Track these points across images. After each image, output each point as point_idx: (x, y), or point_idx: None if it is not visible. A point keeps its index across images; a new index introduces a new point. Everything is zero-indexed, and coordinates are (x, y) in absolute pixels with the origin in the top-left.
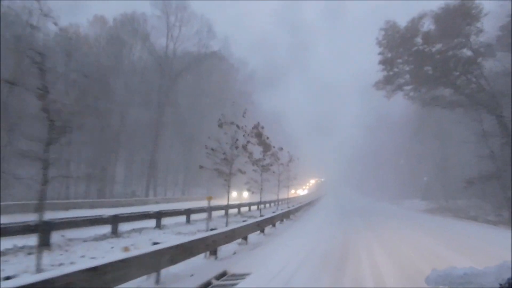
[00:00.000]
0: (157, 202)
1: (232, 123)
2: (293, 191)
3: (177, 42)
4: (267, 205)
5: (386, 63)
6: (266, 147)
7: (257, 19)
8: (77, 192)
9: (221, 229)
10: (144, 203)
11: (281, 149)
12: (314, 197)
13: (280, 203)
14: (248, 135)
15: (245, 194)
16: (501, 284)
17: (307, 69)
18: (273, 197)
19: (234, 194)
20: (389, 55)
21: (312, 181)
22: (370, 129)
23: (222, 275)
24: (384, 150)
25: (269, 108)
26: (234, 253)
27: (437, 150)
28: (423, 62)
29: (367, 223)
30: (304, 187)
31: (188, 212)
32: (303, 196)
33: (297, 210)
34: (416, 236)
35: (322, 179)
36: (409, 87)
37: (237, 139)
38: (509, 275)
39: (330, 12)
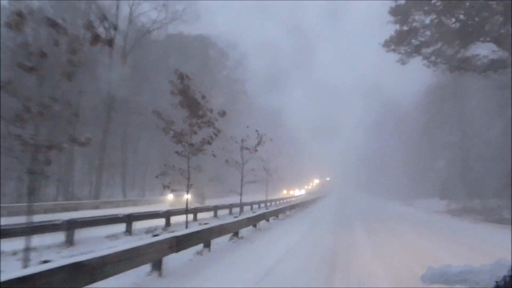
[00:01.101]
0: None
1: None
2: (285, 191)
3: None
4: (232, 210)
5: (399, 12)
6: (194, 107)
7: (257, 21)
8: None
9: None
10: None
11: (224, 113)
12: (312, 197)
13: (254, 206)
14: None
15: (170, 196)
16: (496, 282)
17: (311, 70)
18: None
19: (170, 196)
20: (403, 1)
21: (316, 181)
22: (377, 123)
23: None
24: (393, 146)
25: (271, 107)
26: None
27: (457, 140)
28: (451, 8)
29: (375, 238)
30: (306, 186)
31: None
32: (297, 197)
33: (272, 215)
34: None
35: (327, 179)
36: (430, 49)
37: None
38: (504, 273)
39: (331, 13)
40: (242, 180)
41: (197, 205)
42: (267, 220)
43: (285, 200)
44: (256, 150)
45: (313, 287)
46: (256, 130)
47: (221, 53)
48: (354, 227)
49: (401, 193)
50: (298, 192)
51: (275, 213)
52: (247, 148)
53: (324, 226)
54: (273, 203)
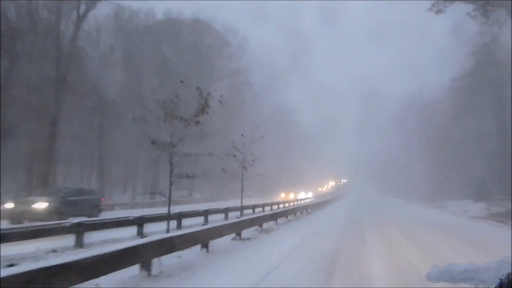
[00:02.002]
0: None
1: None
2: (283, 194)
3: None
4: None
5: None
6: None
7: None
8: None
9: None
10: None
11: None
12: (322, 200)
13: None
14: None
15: None
16: (500, 280)
17: (315, 71)
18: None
19: None
20: None
21: (332, 183)
22: (397, 120)
23: None
24: (415, 143)
25: (280, 102)
26: None
27: (494, 131)
28: None
29: (407, 265)
30: (320, 188)
31: None
32: (300, 201)
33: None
34: None
35: (344, 181)
36: None
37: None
38: (508, 270)
39: (328, 16)
40: (242, 182)
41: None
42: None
43: (277, 206)
44: (198, 122)
45: (313, 287)
46: (198, 87)
47: (222, 40)
48: (368, 242)
49: (425, 194)
50: (304, 195)
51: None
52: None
53: (321, 245)
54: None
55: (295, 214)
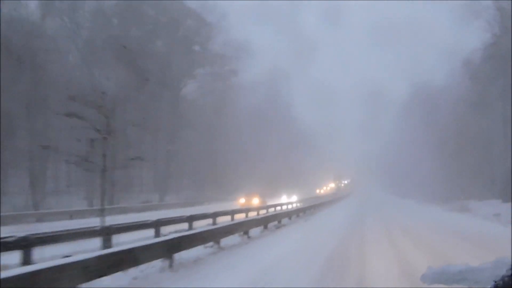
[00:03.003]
0: None
1: None
2: (242, 199)
3: None
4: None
5: None
6: None
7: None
8: None
9: None
10: None
11: None
12: (313, 203)
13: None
14: None
15: None
16: (495, 281)
17: (316, 68)
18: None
19: None
20: None
21: (332, 185)
22: (405, 110)
23: None
24: (423, 139)
25: (276, 100)
26: None
27: None
28: None
29: None
30: (318, 190)
31: None
32: (278, 206)
33: None
34: None
35: (345, 182)
36: None
37: None
38: (503, 272)
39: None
40: None
41: None
42: None
43: (230, 217)
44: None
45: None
46: None
47: (201, 21)
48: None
49: (438, 193)
50: (285, 199)
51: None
52: None
53: None
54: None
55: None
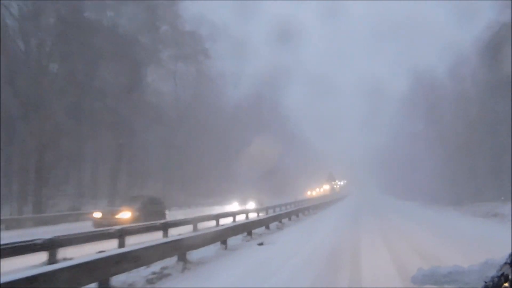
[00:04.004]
0: None
1: None
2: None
3: None
4: None
5: None
6: None
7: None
8: None
9: None
10: None
11: None
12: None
13: None
14: None
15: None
16: (485, 282)
17: (310, 64)
18: None
19: None
20: None
21: (326, 187)
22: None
23: None
24: (425, 136)
25: (262, 93)
26: None
27: None
28: None
29: None
30: (309, 193)
31: None
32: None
33: None
34: None
35: (340, 183)
36: None
37: None
38: (493, 273)
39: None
40: None
41: None
42: None
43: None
44: None
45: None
46: None
47: None
48: None
49: (446, 195)
50: (237, 207)
51: None
52: None
53: None
54: None
55: None
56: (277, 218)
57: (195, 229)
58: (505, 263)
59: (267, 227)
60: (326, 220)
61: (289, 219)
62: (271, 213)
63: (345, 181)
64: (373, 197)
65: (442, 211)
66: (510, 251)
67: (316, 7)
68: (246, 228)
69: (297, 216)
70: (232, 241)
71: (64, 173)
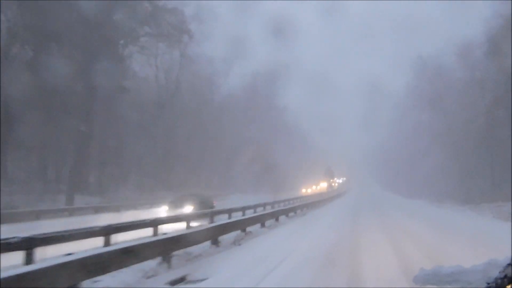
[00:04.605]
0: None
1: None
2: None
3: None
4: None
5: None
6: None
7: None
8: None
9: None
10: None
11: None
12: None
13: None
14: None
15: None
16: (488, 283)
17: (309, 60)
18: None
19: None
20: None
21: (324, 184)
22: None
23: None
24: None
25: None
26: None
27: None
28: None
29: None
30: (304, 190)
31: None
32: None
33: None
34: None
35: (339, 181)
36: None
37: None
38: (495, 273)
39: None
40: None
41: None
42: None
43: None
44: None
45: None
46: None
47: None
48: None
49: (452, 192)
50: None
51: None
52: None
53: None
54: None
55: None
56: (223, 230)
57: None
58: (508, 265)
59: (216, 243)
60: (313, 228)
61: (244, 231)
62: (221, 220)
63: (345, 179)
64: (375, 194)
65: (457, 211)
66: None
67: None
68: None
69: (263, 225)
70: (124, 274)
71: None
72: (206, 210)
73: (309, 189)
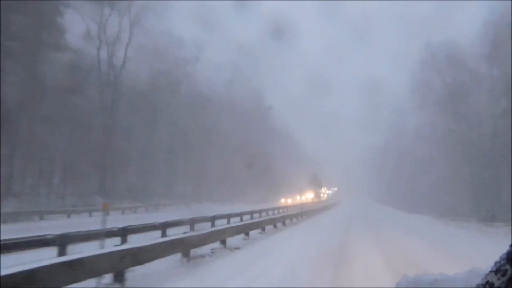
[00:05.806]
0: None
1: None
2: None
3: None
4: None
5: None
6: None
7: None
8: None
9: None
10: None
11: None
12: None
13: None
14: None
15: None
16: None
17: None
18: None
19: None
20: None
21: (311, 195)
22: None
23: None
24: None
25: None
26: None
27: None
28: None
29: None
30: (284, 200)
31: None
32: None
33: None
34: None
35: (329, 191)
36: None
37: None
38: (477, 281)
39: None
40: None
41: None
42: None
43: None
44: None
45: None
46: None
47: None
48: None
49: (462, 207)
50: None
51: None
52: None
53: None
54: None
55: None
56: None
57: None
58: (491, 271)
59: None
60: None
61: None
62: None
63: (336, 189)
64: (370, 208)
65: (485, 235)
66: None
67: None
68: None
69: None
70: None
71: None
72: None
73: (289, 200)
